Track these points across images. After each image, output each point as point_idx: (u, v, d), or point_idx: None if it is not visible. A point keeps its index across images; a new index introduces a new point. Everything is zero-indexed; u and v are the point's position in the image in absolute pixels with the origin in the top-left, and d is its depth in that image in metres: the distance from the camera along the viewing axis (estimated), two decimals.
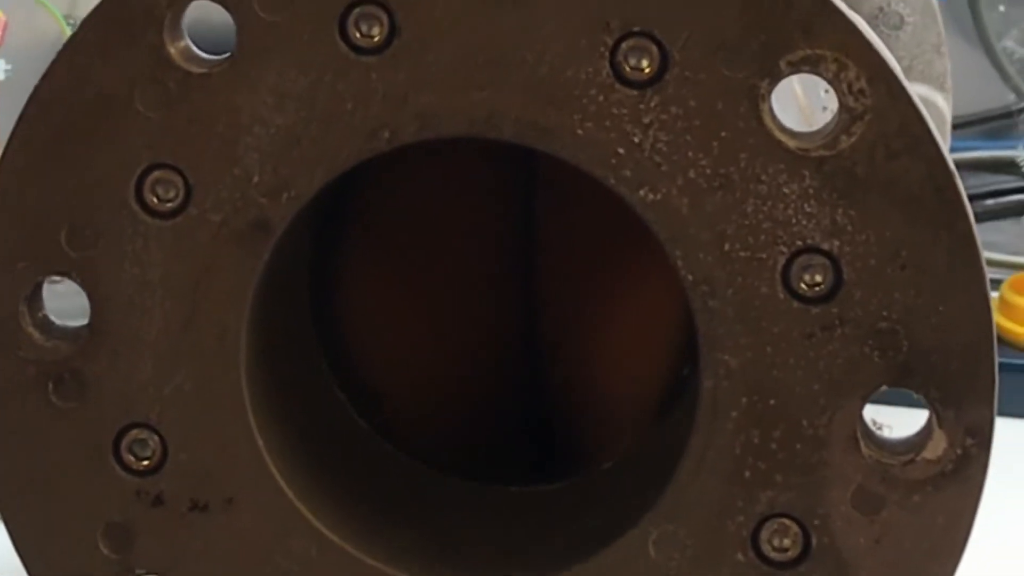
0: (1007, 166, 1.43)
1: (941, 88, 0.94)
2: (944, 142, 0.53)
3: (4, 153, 0.53)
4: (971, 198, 0.51)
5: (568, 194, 0.62)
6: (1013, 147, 1.46)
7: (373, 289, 0.64)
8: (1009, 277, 1.06)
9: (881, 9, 0.92)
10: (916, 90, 0.50)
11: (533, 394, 0.64)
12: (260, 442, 0.53)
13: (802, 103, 0.66)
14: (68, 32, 1.16)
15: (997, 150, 1.46)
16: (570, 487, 0.62)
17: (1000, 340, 0.52)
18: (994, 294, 1.00)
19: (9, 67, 1.16)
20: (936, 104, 0.92)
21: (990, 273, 0.51)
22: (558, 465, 0.63)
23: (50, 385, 0.53)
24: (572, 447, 0.64)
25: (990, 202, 1.34)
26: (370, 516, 0.58)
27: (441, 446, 0.63)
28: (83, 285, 0.53)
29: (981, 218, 0.51)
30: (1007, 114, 1.56)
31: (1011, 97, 1.57)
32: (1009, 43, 1.58)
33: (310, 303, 0.63)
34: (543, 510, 0.61)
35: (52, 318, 0.54)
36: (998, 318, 0.97)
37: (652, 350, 0.63)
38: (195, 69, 0.52)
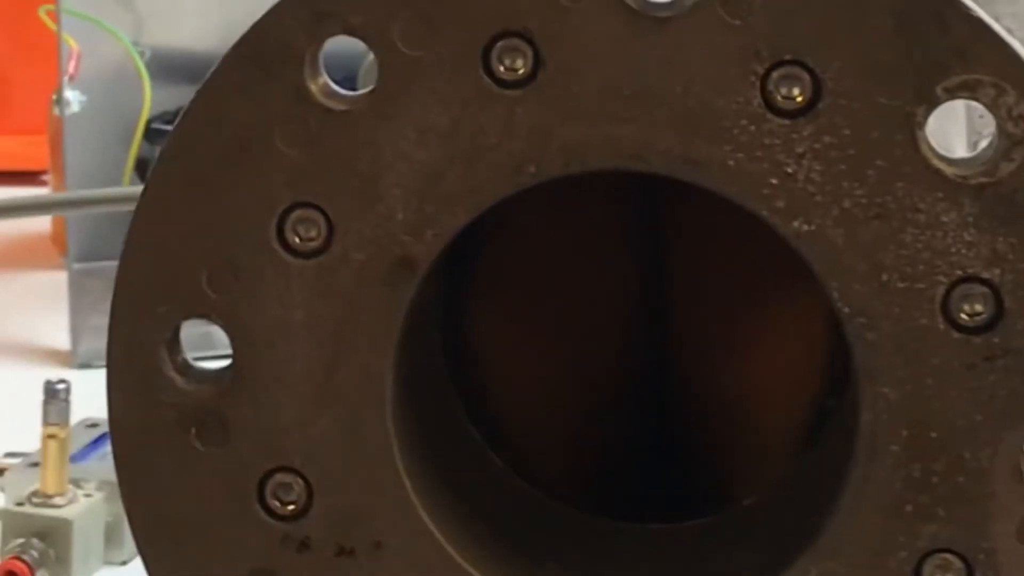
0: None
1: None
2: None
3: (143, 194, 0.52)
4: None
5: (702, 224, 0.61)
6: None
7: (503, 326, 0.63)
8: None
9: None
10: None
11: (670, 429, 0.63)
12: (407, 483, 0.52)
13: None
14: (137, 61, 1.16)
15: None
16: (711, 523, 0.61)
17: None
18: None
19: (84, 98, 1.15)
20: None
21: None
22: (697, 501, 0.62)
23: (192, 429, 0.52)
24: (712, 483, 0.63)
25: None
26: (513, 556, 0.56)
27: (578, 484, 0.62)
28: (224, 327, 0.52)
29: None
30: None
31: None
32: None
33: (442, 340, 0.62)
34: (685, 547, 0.60)
35: (193, 361, 0.53)
36: None
37: (795, 381, 0.62)
38: (336, 106, 0.51)
